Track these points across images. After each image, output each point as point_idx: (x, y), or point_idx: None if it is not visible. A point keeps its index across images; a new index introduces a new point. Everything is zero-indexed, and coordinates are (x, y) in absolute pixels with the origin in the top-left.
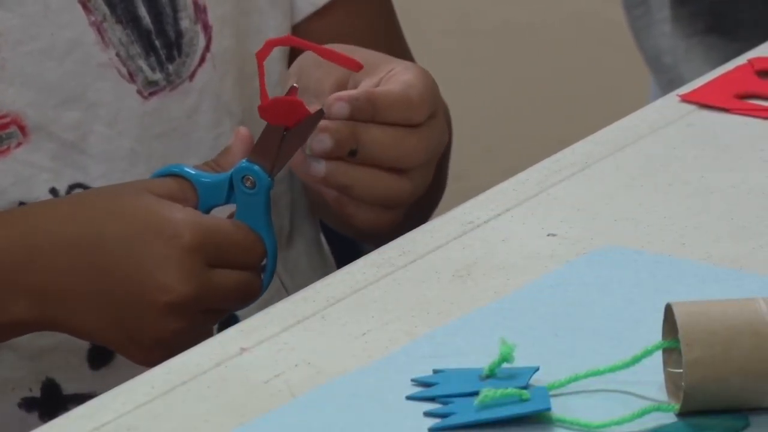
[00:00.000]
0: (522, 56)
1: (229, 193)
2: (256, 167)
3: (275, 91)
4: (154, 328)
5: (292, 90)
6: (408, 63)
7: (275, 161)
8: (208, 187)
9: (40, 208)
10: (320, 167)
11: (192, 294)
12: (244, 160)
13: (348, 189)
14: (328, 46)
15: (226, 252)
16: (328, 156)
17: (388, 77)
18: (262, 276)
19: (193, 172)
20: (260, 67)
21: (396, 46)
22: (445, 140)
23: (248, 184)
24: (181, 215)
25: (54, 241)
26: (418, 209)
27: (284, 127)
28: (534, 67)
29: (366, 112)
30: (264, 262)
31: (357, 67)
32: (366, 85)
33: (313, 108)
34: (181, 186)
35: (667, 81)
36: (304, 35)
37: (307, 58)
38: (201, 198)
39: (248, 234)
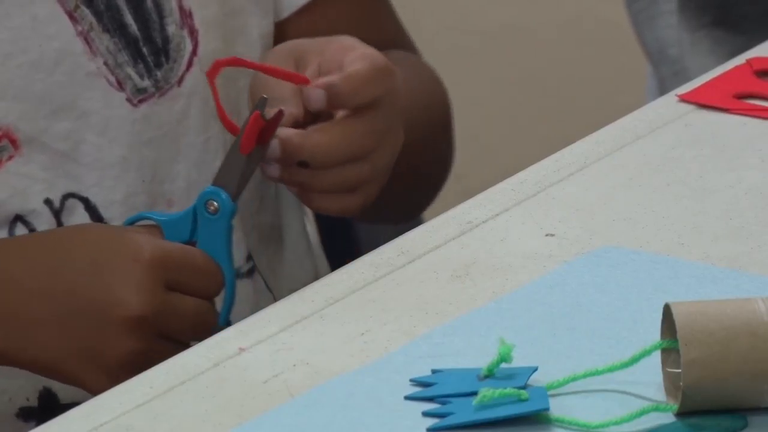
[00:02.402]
0: (521, 56)
1: (193, 227)
2: (221, 192)
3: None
4: (112, 346)
5: (261, 100)
6: (353, 42)
7: (240, 184)
8: (170, 224)
9: (17, 239)
10: (274, 168)
11: (149, 310)
12: (209, 185)
13: (305, 185)
14: (272, 64)
15: (184, 276)
16: (280, 162)
17: (341, 55)
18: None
19: (156, 214)
20: (212, 86)
21: (391, 33)
22: (400, 120)
23: (211, 209)
24: (143, 237)
25: (23, 268)
26: (422, 180)
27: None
28: (533, 67)
29: (344, 96)
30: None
31: (304, 81)
32: (314, 64)
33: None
34: (148, 227)
35: (671, 73)
36: (290, 32)
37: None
38: (166, 235)
39: (208, 262)
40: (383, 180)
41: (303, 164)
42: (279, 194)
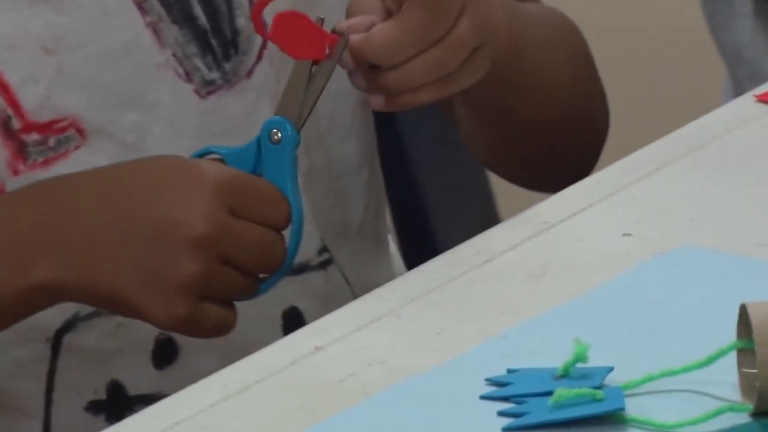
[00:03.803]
0: (607, 57)
1: (257, 159)
2: (285, 121)
3: None
4: (172, 266)
5: (318, 20)
6: None
7: (302, 112)
8: (233, 156)
9: (77, 173)
10: (359, 78)
11: (211, 232)
12: (272, 115)
13: (388, 88)
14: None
15: (249, 203)
16: (358, 69)
17: None
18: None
19: (221, 148)
20: (258, 24)
21: None
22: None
23: (275, 139)
24: (208, 163)
25: (77, 196)
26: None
27: (310, 67)
28: (617, 67)
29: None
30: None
31: None
32: None
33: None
34: (213, 160)
35: (748, 76)
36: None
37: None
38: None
39: (274, 191)
40: (486, 55)
41: (375, 67)
42: (369, 196)
